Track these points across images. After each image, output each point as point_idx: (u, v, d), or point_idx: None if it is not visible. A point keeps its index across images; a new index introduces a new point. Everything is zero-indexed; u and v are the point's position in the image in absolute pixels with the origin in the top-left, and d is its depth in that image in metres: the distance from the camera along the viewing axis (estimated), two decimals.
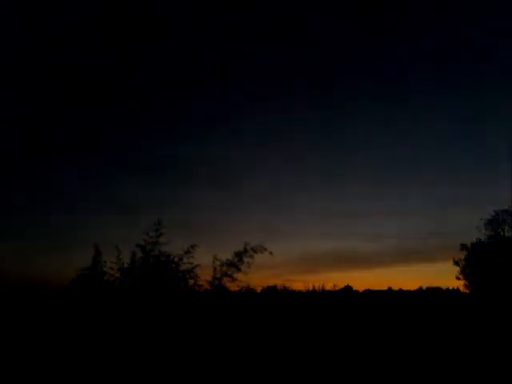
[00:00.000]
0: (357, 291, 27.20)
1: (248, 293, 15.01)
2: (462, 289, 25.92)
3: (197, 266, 12.04)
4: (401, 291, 29.49)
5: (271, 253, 12.02)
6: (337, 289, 22.14)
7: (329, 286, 20.30)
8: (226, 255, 12.16)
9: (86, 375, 7.58)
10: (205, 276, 12.15)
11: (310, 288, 18.83)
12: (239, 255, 12.02)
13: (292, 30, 30.13)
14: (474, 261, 24.52)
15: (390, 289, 29.13)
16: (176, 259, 11.78)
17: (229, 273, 11.95)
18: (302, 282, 26.97)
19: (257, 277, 13.11)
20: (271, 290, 18.41)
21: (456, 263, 25.71)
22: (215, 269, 12.09)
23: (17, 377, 7.51)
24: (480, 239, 24.88)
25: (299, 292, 19.01)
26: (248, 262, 11.76)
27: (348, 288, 25.09)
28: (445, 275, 37.32)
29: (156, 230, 11.42)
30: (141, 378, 7.55)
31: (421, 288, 30.79)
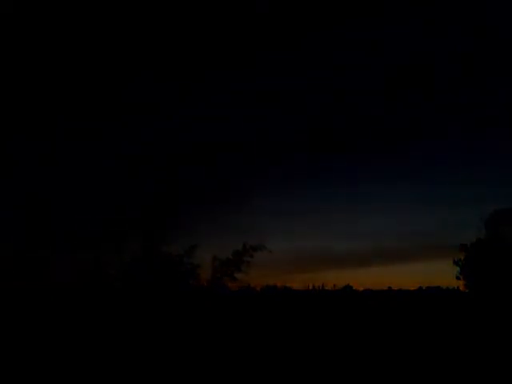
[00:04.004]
0: (357, 290, 27.26)
1: (249, 292, 15.04)
2: (462, 289, 25.93)
3: (197, 266, 12.09)
4: (400, 291, 29.56)
5: (270, 251, 12.09)
6: (337, 288, 22.22)
7: (328, 286, 20.37)
8: (227, 255, 12.21)
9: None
10: (206, 276, 12.20)
11: (310, 287, 18.91)
12: (239, 255, 12.07)
13: None
14: (473, 261, 24.52)
15: (389, 288, 29.22)
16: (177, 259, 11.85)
17: (229, 272, 12.02)
18: (295, 281, 27.03)
19: (251, 276, 13.23)
20: (272, 290, 18.45)
21: (456, 263, 25.70)
22: (215, 268, 12.14)
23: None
24: (480, 239, 24.87)
25: (300, 291, 19.06)
26: (249, 262, 11.83)
27: (348, 287, 25.17)
28: (441, 275, 37.22)
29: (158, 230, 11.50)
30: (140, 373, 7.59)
31: (420, 287, 30.83)
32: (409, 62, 28.84)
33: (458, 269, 25.34)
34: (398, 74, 28.79)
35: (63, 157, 20.32)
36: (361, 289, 28.77)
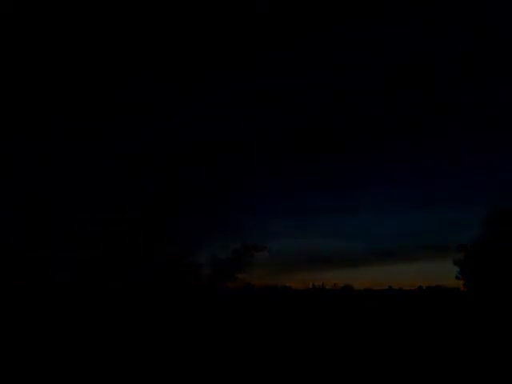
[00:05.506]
0: (357, 290, 27.24)
1: (249, 292, 15.04)
2: (461, 289, 25.95)
3: (197, 266, 12.09)
4: (401, 291, 29.57)
5: (270, 251, 12.11)
6: (337, 288, 22.22)
7: (328, 286, 20.37)
8: (227, 255, 12.22)
9: None
10: (206, 276, 12.19)
11: (310, 287, 18.92)
12: (239, 254, 12.07)
13: None
14: (473, 261, 24.54)
15: (389, 288, 29.23)
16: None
17: (229, 272, 12.02)
18: (295, 281, 27.05)
19: (251, 276, 13.28)
20: (272, 290, 18.46)
21: (456, 263, 25.73)
22: (216, 268, 12.14)
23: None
24: (480, 239, 24.87)
25: (300, 291, 19.05)
26: (249, 262, 11.84)
27: (348, 287, 25.16)
28: (441, 275, 37.21)
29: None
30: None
31: (420, 287, 30.84)
32: (409, 62, 28.84)
33: (457, 269, 25.37)
34: (398, 74, 28.80)
35: (63, 157, 20.32)
36: (361, 289, 28.79)
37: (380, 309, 20.97)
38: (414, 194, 38.68)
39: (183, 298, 12.13)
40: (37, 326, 10.85)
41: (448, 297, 26.54)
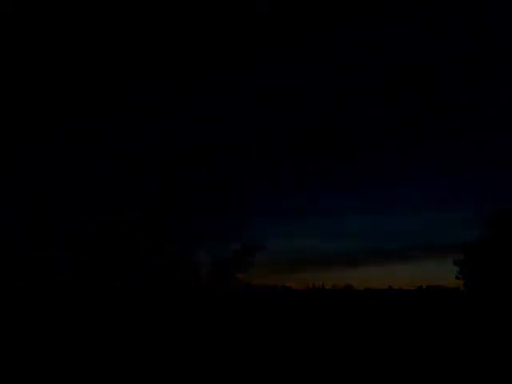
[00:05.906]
0: (357, 290, 27.25)
1: (249, 292, 15.05)
2: (462, 289, 25.94)
3: (198, 266, 12.10)
4: (401, 291, 29.61)
5: (269, 250, 12.13)
6: (337, 288, 22.23)
7: (328, 286, 20.38)
8: (227, 255, 12.22)
9: None
10: (206, 276, 12.19)
11: (310, 287, 18.92)
12: (239, 254, 12.08)
13: None
14: (473, 261, 24.55)
15: (389, 288, 29.26)
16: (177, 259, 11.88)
17: (229, 272, 12.03)
18: (295, 281, 27.08)
19: (251, 276, 13.30)
20: (272, 290, 18.46)
21: (456, 263, 25.73)
22: (216, 268, 12.15)
23: None
24: (480, 239, 24.87)
25: (300, 291, 19.05)
26: (249, 262, 11.85)
27: (348, 287, 25.18)
28: (441, 275, 37.24)
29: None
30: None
31: (420, 287, 30.85)
32: (409, 62, 28.83)
33: (457, 269, 25.38)
34: (398, 74, 28.79)
35: (63, 157, 20.31)
36: (361, 289, 28.80)
37: (380, 309, 20.97)
38: (413, 194, 38.67)
39: (183, 297, 12.14)
40: (37, 326, 10.86)
41: (448, 297, 26.54)
